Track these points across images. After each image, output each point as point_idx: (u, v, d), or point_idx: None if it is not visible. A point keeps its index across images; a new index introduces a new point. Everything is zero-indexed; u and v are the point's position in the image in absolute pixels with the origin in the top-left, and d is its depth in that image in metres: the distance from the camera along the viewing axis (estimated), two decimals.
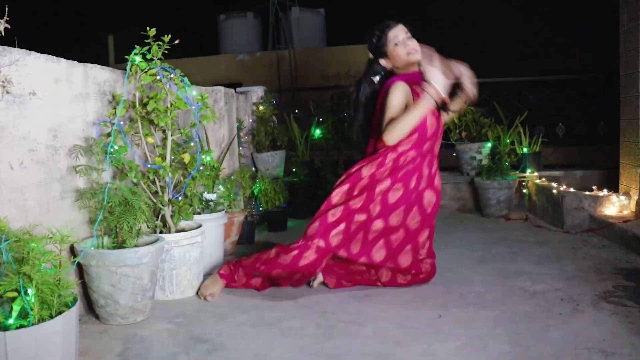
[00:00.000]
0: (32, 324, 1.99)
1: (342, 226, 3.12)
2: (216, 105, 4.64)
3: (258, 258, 3.20)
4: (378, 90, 3.27)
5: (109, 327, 2.74)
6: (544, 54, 12.47)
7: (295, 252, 3.12)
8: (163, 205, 3.16)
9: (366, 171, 3.17)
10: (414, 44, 3.15)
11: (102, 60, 9.86)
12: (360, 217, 3.12)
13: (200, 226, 3.29)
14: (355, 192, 3.16)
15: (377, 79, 3.26)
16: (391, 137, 2.98)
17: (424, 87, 2.95)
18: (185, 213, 3.19)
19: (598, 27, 8.89)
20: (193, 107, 3.16)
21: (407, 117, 2.96)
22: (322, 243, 3.10)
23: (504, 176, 5.57)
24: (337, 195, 3.19)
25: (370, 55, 3.26)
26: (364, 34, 3.27)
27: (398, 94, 3.06)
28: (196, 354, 2.42)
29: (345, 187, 3.19)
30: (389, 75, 3.25)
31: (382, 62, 3.23)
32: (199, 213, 3.71)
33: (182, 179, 3.29)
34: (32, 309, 2.01)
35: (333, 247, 3.12)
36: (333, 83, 6.45)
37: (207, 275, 3.40)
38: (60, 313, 2.07)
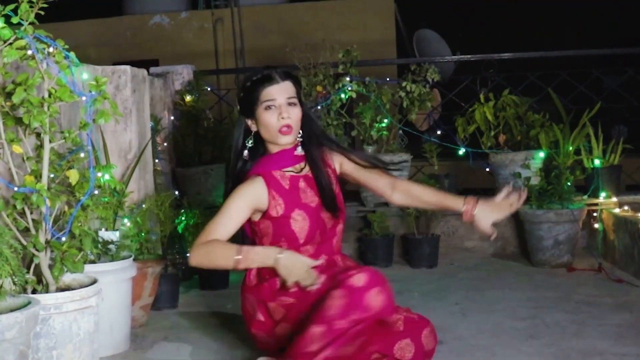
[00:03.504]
0: None
1: None
2: (119, 94, 4.68)
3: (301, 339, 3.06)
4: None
5: None
6: (625, 17, 12.57)
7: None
8: (37, 250, 3.17)
9: None
10: (294, 115, 3.35)
11: None
12: None
13: (95, 282, 3.30)
14: None
15: (245, 152, 3.49)
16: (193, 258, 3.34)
17: (277, 260, 3.17)
18: (71, 262, 3.20)
19: None
20: (84, 98, 3.19)
21: (217, 251, 3.26)
22: None
23: (565, 203, 5.62)
24: None
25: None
26: None
27: (239, 197, 3.34)
28: None
29: None
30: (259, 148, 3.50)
31: (249, 122, 3.46)
32: (93, 262, 3.73)
33: (66, 208, 3.31)
34: None
35: None
36: (303, 61, 6.45)
37: None
38: None
